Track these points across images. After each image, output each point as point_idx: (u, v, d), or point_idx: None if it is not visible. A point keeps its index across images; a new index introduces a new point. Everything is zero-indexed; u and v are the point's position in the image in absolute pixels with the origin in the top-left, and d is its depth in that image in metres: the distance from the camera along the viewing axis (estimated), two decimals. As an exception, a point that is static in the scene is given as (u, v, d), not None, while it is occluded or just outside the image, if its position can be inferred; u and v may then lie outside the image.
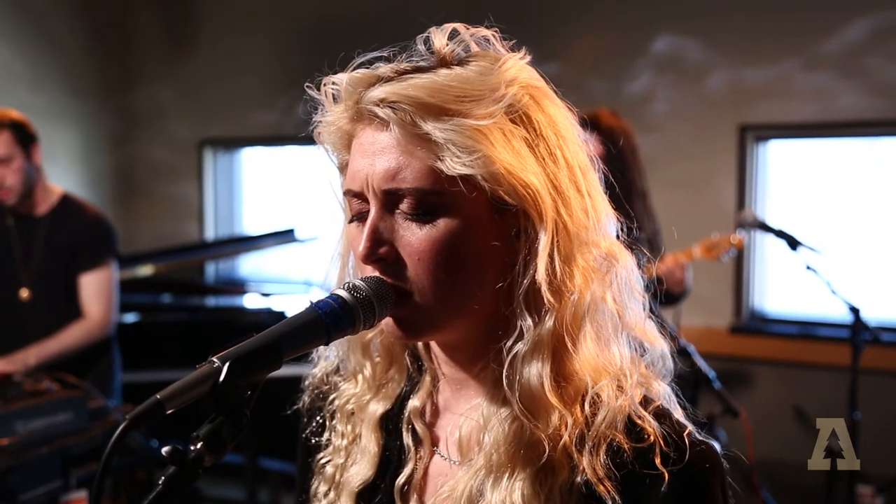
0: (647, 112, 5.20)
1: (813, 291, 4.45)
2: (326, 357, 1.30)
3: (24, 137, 3.66)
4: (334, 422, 1.28)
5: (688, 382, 2.78)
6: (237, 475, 5.16)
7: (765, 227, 3.72)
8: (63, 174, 6.01)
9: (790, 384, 4.95)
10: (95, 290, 3.76)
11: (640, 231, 3.92)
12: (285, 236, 5.69)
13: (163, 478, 0.91)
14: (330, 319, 1.02)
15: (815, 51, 4.84)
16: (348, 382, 1.28)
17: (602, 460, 1.03)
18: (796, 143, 5.18)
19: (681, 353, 2.82)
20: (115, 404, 3.55)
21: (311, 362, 1.32)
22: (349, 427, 1.27)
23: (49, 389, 3.06)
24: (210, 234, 6.65)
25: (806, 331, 5.05)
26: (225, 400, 0.93)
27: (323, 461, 1.28)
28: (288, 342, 0.99)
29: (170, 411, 0.91)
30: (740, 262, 5.11)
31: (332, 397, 1.29)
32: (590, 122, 4.07)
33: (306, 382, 1.35)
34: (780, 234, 3.41)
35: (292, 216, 6.18)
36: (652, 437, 1.03)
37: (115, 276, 3.88)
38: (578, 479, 1.04)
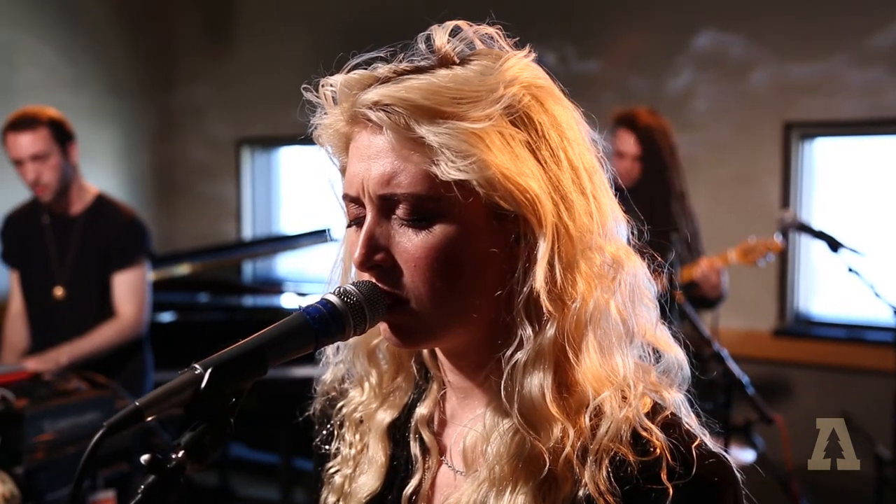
0: (688, 110, 5.13)
1: (860, 294, 4.35)
2: (335, 363, 1.28)
3: (62, 135, 3.72)
4: (343, 430, 1.27)
5: (721, 388, 2.73)
6: (272, 475, 5.19)
7: (805, 229, 3.65)
8: (103, 173, 6.09)
9: (836, 389, 4.84)
10: (128, 289, 3.80)
11: (677, 233, 3.88)
12: (323, 235, 5.70)
13: (142, 486, 0.89)
14: (318, 325, 1.00)
15: (863, 45, 4.74)
16: (355, 389, 1.26)
17: (605, 474, 0.99)
18: (843, 140, 5.07)
19: (714, 358, 2.77)
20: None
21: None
22: (357, 436, 1.25)
23: (78, 389, 3.09)
24: (248, 233, 6.70)
25: (853, 334, 4.94)
26: (208, 407, 0.92)
27: (332, 470, 1.27)
28: (274, 348, 0.97)
29: (150, 419, 0.90)
30: (784, 263, 5.01)
31: (340, 404, 1.27)
32: (626, 121, 4.06)
33: (317, 388, 1.33)
34: (821, 235, 3.33)
35: (330, 215, 6.18)
36: (658, 450, 0.99)
37: (147, 276, 3.91)
38: (581, 493, 1.00)
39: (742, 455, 3.21)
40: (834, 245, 3.28)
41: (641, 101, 4.71)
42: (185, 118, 6.77)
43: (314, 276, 6.44)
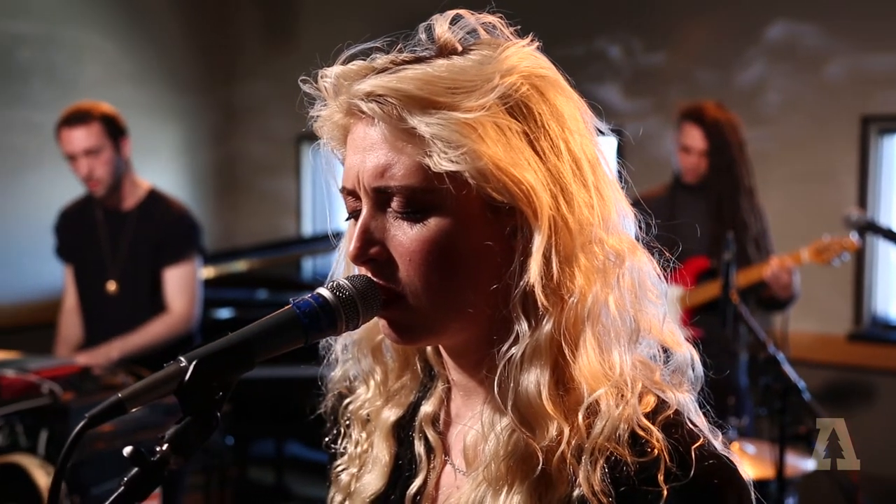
0: (759, 103, 5.03)
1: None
2: (345, 360, 1.29)
3: (114, 130, 3.80)
4: (350, 429, 1.28)
5: (776, 393, 2.67)
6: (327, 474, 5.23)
7: (873, 228, 3.55)
8: (164, 169, 6.22)
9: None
10: (179, 284, 3.87)
11: (745, 230, 3.80)
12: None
13: (125, 479, 0.91)
14: (308, 319, 1.01)
15: (946, 35, 4.59)
16: (361, 387, 1.27)
17: (599, 474, 0.97)
18: (925, 135, 4.92)
19: (770, 362, 2.71)
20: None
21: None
22: (363, 435, 1.26)
23: (124, 384, 3.16)
24: (307, 229, 6.77)
25: (934, 339, 4.79)
26: (192, 400, 0.93)
27: (339, 469, 1.28)
28: (261, 342, 0.98)
29: (133, 410, 0.92)
30: (861, 264, 4.88)
31: (347, 401, 1.29)
32: (693, 115, 4.01)
33: (327, 385, 1.34)
34: (890, 234, 3.23)
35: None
36: (656, 451, 0.97)
37: (199, 272, 3.98)
38: (575, 493, 0.99)
39: (802, 463, 3.14)
40: (901, 244, 3.18)
41: (709, 94, 4.64)
42: (246, 114, 6.87)
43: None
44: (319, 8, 6.60)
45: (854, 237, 3.79)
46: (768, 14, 5.03)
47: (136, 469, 0.91)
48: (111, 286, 3.90)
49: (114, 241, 3.93)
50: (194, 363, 0.92)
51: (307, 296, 1.04)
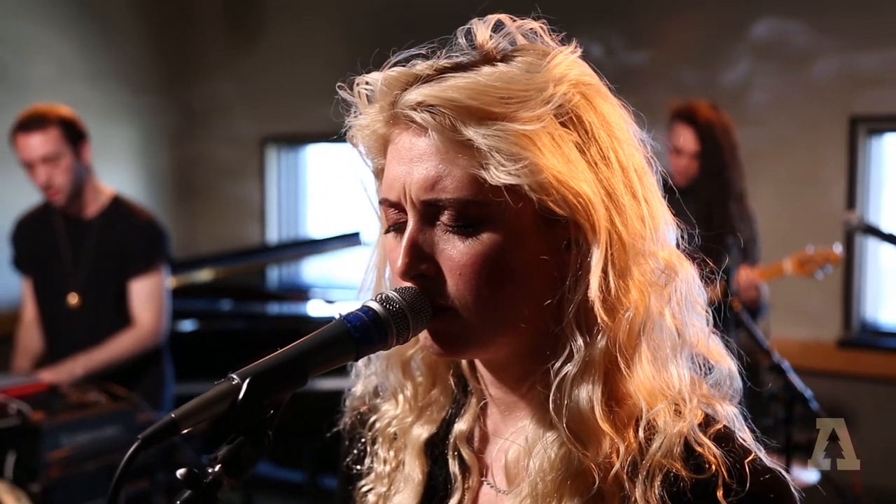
0: (745, 103, 5.10)
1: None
2: (367, 375, 1.30)
3: (73, 135, 3.75)
4: (376, 446, 1.28)
5: (782, 403, 2.72)
6: (298, 494, 5.23)
7: (873, 232, 3.62)
8: (120, 173, 6.17)
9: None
10: (146, 296, 3.84)
11: (733, 236, 3.84)
12: (351, 239, 5.74)
13: (178, 502, 0.91)
14: (359, 333, 1.02)
15: (936, 33, 4.69)
16: (388, 403, 1.28)
17: (657, 492, 1.01)
18: (915, 136, 5.02)
19: (774, 370, 2.76)
20: (166, 418, 3.61)
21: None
22: (391, 453, 1.27)
23: (96, 401, 3.14)
24: (273, 236, 6.74)
25: (925, 346, 4.89)
26: (245, 420, 0.94)
27: (364, 489, 1.28)
28: (313, 357, 1.00)
29: (185, 431, 0.92)
30: (850, 269, 4.97)
31: (372, 419, 1.29)
32: (685, 115, 4.02)
33: (346, 403, 1.35)
34: (892, 238, 3.30)
35: (360, 218, 6.22)
36: (714, 467, 1.01)
37: (166, 282, 3.95)
38: None
39: (805, 475, 3.19)
40: (904, 249, 3.25)
41: (694, 94, 4.69)
42: (207, 115, 6.83)
43: (343, 282, 6.47)
44: (284, 4, 6.58)
45: (837, 249, 3.84)
46: (754, 11, 5.11)
47: (188, 492, 0.92)
48: (73, 299, 3.87)
49: (75, 251, 3.88)
50: (248, 381, 0.93)
51: (356, 309, 1.05)
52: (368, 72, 1.13)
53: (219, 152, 6.83)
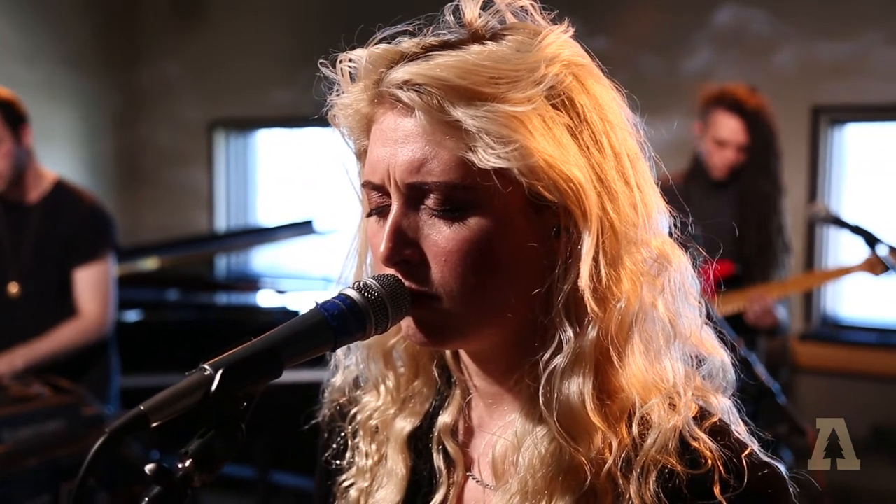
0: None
1: (893, 294, 4.37)
2: (346, 366, 1.28)
3: (13, 118, 3.67)
4: (357, 440, 1.27)
5: (749, 396, 2.73)
6: (248, 491, 5.18)
7: (839, 223, 3.64)
8: (60, 157, 6.07)
9: (867, 398, 4.86)
10: (91, 285, 3.78)
11: (779, 234, 3.66)
12: (303, 228, 5.70)
13: (146, 499, 0.89)
14: (337, 322, 1.00)
15: (898, 23, 4.76)
16: (369, 394, 1.26)
17: (652, 488, 1.00)
18: (876, 126, 5.09)
19: (741, 363, 2.77)
20: (112, 411, 3.56)
21: (329, 367, 1.30)
22: (373, 446, 1.25)
23: (39, 395, 3.08)
24: (221, 224, 6.69)
25: (886, 339, 4.97)
26: (218, 412, 0.92)
27: (346, 484, 1.27)
28: (289, 347, 0.97)
29: (155, 424, 0.90)
30: (811, 262, 5.03)
31: (352, 412, 1.27)
32: (730, 103, 3.84)
33: (325, 395, 1.32)
34: (857, 230, 3.32)
35: (311, 205, 6.19)
36: (710, 462, 1.00)
37: (113, 271, 3.89)
38: None
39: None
40: (871, 241, 3.27)
41: (654, 82, 4.72)
42: (153, 98, 6.75)
43: (294, 271, 6.43)
44: (233, -17, 6.53)
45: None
46: (716, -2, 5.15)
47: (157, 488, 0.89)
48: (13, 288, 3.79)
49: (15, 238, 3.81)
50: (221, 372, 0.91)
51: (332, 297, 1.03)
52: (324, 57, 1.11)
53: (165, 136, 6.75)
